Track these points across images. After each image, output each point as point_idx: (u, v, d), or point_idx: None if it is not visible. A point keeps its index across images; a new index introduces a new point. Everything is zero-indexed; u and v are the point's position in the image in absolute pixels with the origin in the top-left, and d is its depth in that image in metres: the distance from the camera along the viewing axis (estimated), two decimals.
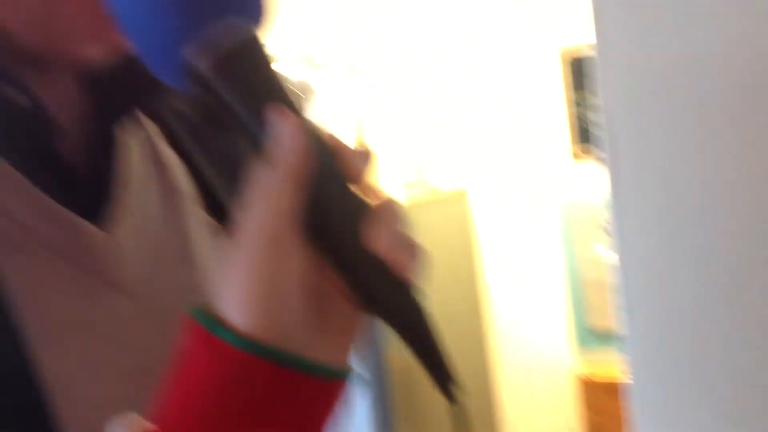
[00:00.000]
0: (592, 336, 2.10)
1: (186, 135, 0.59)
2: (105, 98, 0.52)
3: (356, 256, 0.41)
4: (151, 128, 0.57)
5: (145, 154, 0.57)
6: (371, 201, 0.41)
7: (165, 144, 0.58)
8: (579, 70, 2.01)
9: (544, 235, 2.13)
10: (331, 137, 0.42)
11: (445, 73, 2.14)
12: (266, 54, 0.41)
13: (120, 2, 0.42)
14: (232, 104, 0.41)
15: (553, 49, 2.05)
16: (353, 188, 0.41)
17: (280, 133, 0.40)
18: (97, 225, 0.51)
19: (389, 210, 0.41)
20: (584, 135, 2.05)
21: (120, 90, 0.51)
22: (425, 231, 1.97)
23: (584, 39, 2.06)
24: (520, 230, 2.13)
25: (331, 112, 2.04)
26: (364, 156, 0.42)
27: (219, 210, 0.57)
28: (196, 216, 0.56)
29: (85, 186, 0.52)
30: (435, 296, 1.96)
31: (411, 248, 0.41)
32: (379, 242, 0.40)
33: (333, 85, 2.10)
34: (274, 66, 0.41)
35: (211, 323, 0.40)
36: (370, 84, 2.15)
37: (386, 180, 2.11)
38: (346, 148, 0.42)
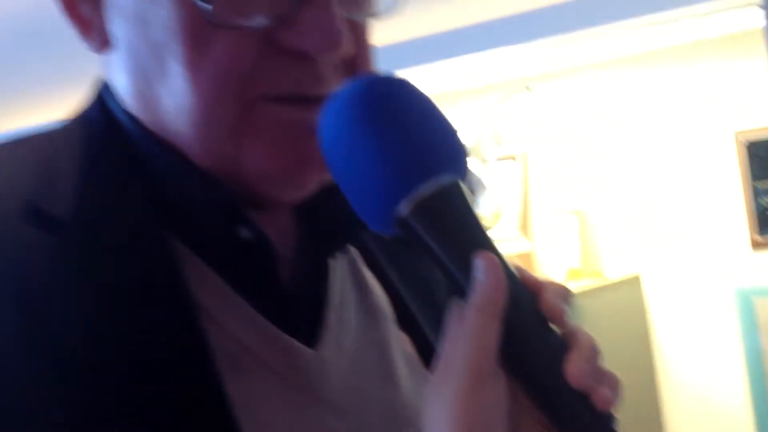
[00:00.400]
0: None
1: (388, 263, 0.63)
2: (316, 229, 0.57)
3: (555, 388, 0.43)
4: (353, 251, 0.62)
5: (348, 276, 0.61)
6: (569, 336, 0.44)
7: (365, 266, 0.63)
8: (755, 154, 1.97)
9: (722, 322, 2.05)
10: (530, 276, 0.45)
11: (617, 156, 2.12)
12: (467, 201, 0.46)
13: (335, 161, 0.48)
14: (434, 246, 0.45)
15: (728, 131, 2.00)
16: (551, 324, 0.44)
17: (482, 274, 0.43)
18: (307, 344, 0.55)
19: (587, 344, 0.43)
20: (763, 222, 1.98)
21: (329, 221, 0.55)
22: (598, 317, 1.91)
23: (760, 121, 1.94)
24: (695, 316, 2.07)
25: (495, 196, 2.07)
26: (561, 293, 0.44)
27: (416, 334, 0.60)
28: (396, 337, 0.60)
29: (297, 308, 0.56)
30: None
31: (610, 382, 0.43)
32: (579, 376, 0.42)
33: (498, 170, 2.16)
34: (475, 211, 0.45)
35: None
36: (537, 167, 2.18)
37: (556, 267, 2.11)
38: (543, 285, 0.44)
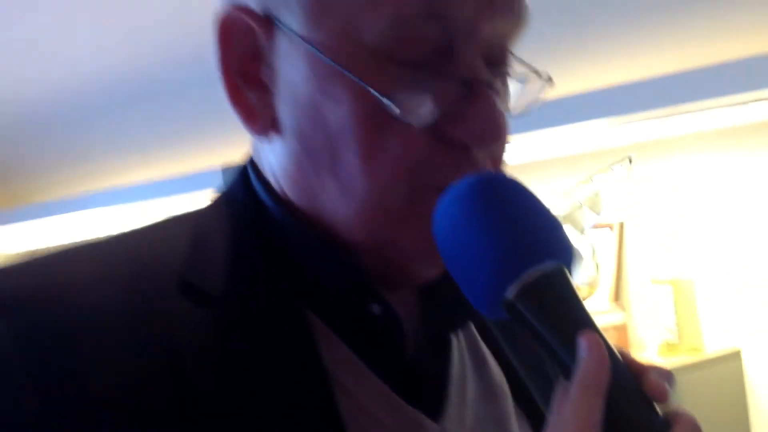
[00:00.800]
0: None
1: (505, 341, 0.67)
2: (438, 308, 0.61)
3: None
4: (472, 327, 0.66)
5: (468, 353, 0.65)
6: (672, 416, 0.46)
7: (482, 342, 0.66)
8: None
9: None
10: (633, 358, 0.48)
11: (716, 227, 2.11)
12: (571, 285, 0.49)
13: (448, 247, 0.52)
14: (539, 328, 0.48)
15: None
16: (655, 404, 0.46)
17: (585, 352, 0.46)
18: (431, 418, 0.58)
19: (690, 424, 0.45)
20: None
21: (450, 301, 0.58)
22: (695, 393, 1.89)
23: None
24: None
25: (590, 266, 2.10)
26: (665, 374, 0.47)
27: (531, 411, 0.63)
28: (514, 414, 0.63)
29: (421, 382, 0.60)
30: None
31: None
32: None
33: (594, 239, 2.18)
34: (577, 293, 0.49)
35: None
36: (634, 237, 2.17)
37: (651, 340, 2.09)
38: (647, 366, 0.48)
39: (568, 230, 1.98)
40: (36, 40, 2.42)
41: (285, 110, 0.58)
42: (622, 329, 2.08)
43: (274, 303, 0.57)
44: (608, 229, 2.22)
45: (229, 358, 0.53)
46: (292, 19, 0.56)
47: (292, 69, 0.57)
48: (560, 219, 1.63)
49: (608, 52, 2.02)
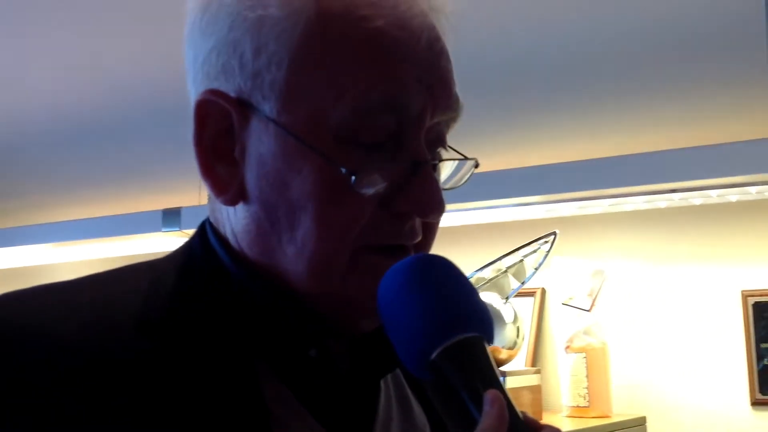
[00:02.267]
0: None
1: (428, 390, 0.75)
2: (369, 355, 0.70)
3: None
4: (400, 373, 0.76)
5: (394, 395, 0.74)
6: None
7: (408, 388, 0.77)
8: (757, 314, 2.09)
9: None
10: (531, 418, 0.59)
11: (630, 300, 2.26)
12: (485, 352, 0.60)
13: (386, 314, 0.63)
14: (455, 383, 0.58)
15: (735, 290, 2.13)
16: None
17: (489, 406, 0.55)
18: None
19: None
20: (764, 382, 2.09)
21: (381, 349, 0.67)
22: None
23: (766, 283, 2.05)
24: None
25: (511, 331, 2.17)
26: None
27: None
28: None
29: (349, 420, 0.69)
30: None
31: None
32: None
33: (516, 305, 2.27)
34: (491, 359, 0.60)
35: None
36: (553, 305, 2.30)
37: (563, 404, 2.19)
38: (543, 426, 0.58)
39: (493, 296, 2.11)
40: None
41: (252, 182, 0.67)
42: (536, 391, 2.19)
43: (223, 343, 0.65)
44: (530, 296, 2.37)
45: (177, 389, 0.61)
46: (266, 105, 0.65)
47: (262, 146, 0.66)
48: (485, 284, 1.77)
49: (544, 134, 2.18)
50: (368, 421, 0.71)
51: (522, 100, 2.19)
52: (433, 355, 0.59)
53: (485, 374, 0.58)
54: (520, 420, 0.57)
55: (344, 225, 0.65)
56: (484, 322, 0.61)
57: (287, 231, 0.66)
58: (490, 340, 0.61)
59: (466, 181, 0.73)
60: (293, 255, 0.66)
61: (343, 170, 0.63)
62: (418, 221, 0.67)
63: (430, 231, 0.70)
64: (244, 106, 0.66)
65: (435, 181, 0.67)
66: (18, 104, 2.61)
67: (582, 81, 2.12)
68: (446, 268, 0.64)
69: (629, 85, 2.08)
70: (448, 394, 0.59)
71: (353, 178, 0.63)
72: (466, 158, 0.73)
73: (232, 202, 0.68)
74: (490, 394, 0.56)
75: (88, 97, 2.56)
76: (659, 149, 1.86)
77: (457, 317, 0.60)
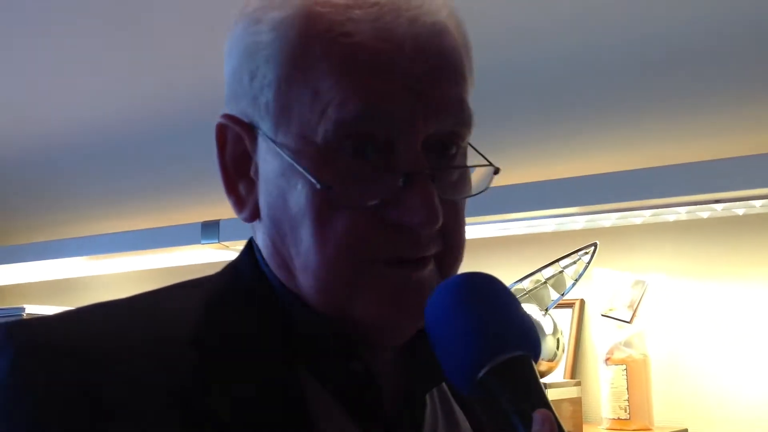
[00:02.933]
0: None
1: (468, 403, 0.78)
2: (415, 367, 0.71)
3: None
4: (445, 385, 0.77)
5: (439, 407, 0.75)
6: None
7: (454, 401, 0.77)
8: None
9: None
10: None
11: (673, 307, 2.24)
12: (533, 370, 0.61)
13: (435, 330, 0.63)
14: (503, 402, 0.58)
15: None
16: None
17: (539, 426, 0.55)
18: None
19: None
20: None
21: (427, 362, 0.67)
22: None
23: None
24: None
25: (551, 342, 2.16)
26: None
27: None
28: None
29: (396, 431, 0.70)
30: None
31: None
32: None
33: (555, 317, 2.26)
34: (538, 378, 0.61)
35: None
36: (593, 315, 2.28)
37: (604, 416, 2.17)
38: None
39: (532, 307, 2.10)
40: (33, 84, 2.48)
41: (262, 199, 0.70)
42: (577, 403, 2.18)
43: (271, 358, 0.67)
44: (569, 308, 2.35)
45: (227, 403, 0.63)
46: (265, 125, 0.69)
47: (267, 165, 0.69)
48: (525, 295, 1.76)
49: (583, 144, 2.17)
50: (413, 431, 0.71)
51: (561, 110, 2.19)
52: (481, 374, 0.60)
53: (533, 393, 0.59)
54: None
55: (339, 239, 0.66)
56: (531, 339, 0.62)
57: (294, 246, 0.68)
58: (537, 358, 0.62)
59: (486, 188, 0.73)
60: (301, 272, 0.68)
61: (318, 186, 0.65)
62: (426, 235, 0.68)
63: (452, 240, 0.70)
64: (251, 129, 0.70)
65: (428, 192, 0.66)
66: (55, 117, 2.64)
67: (621, 90, 2.11)
68: (493, 285, 0.65)
69: (670, 94, 2.07)
70: (496, 413, 0.59)
71: (334, 192, 0.65)
72: (467, 166, 0.73)
73: (249, 219, 0.72)
74: (540, 414, 0.57)
75: (126, 110, 2.59)
76: (701, 159, 1.84)
77: (505, 336, 0.61)
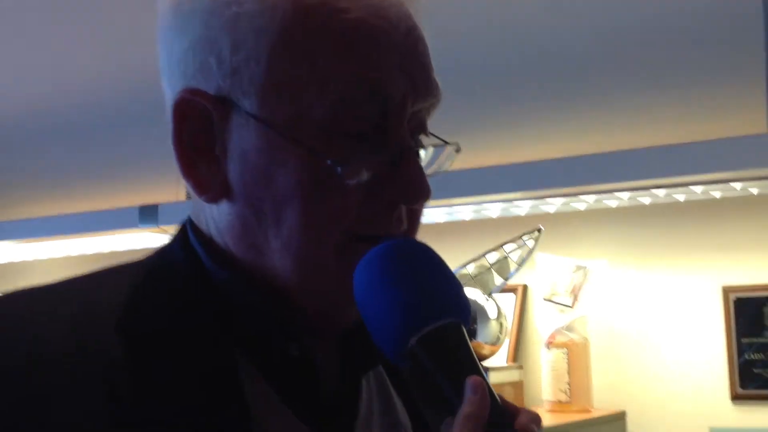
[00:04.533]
0: None
1: (404, 385, 0.77)
2: (352, 352, 0.70)
3: None
4: (383, 371, 0.76)
5: (376, 392, 0.74)
6: None
7: (391, 385, 0.76)
8: (738, 310, 2.12)
9: None
10: (510, 403, 0.59)
11: (611, 294, 2.28)
12: (464, 337, 0.59)
13: (363, 303, 0.62)
14: (434, 372, 0.57)
15: (716, 287, 2.15)
16: None
17: (471, 392, 0.55)
18: None
19: None
20: (744, 376, 2.12)
21: (363, 346, 0.66)
22: None
23: (747, 278, 2.08)
24: None
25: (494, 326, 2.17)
26: (533, 418, 0.58)
27: None
28: None
29: (331, 416, 0.68)
30: None
31: None
32: None
33: (499, 302, 2.26)
34: (470, 345, 0.59)
35: None
36: (536, 301, 2.30)
37: (544, 399, 2.21)
38: (521, 410, 0.59)
39: (476, 292, 2.12)
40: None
41: (236, 178, 0.67)
42: (518, 386, 2.21)
43: (203, 343, 0.65)
44: (512, 293, 2.38)
45: (156, 388, 0.61)
46: (246, 101, 0.65)
47: (244, 143, 0.66)
48: (469, 280, 1.76)
49: (530, 129, 2.19)
50: (349, 418, 0.71)
51: (507, 96, 2.20)
52: (411, 343, 0.58)
53: (464, 361, 0.58)
54: (500, 405, 0.58)
55: (331, 216, 0.65)
56: (459, 306, 0.61)
57: (273, 226, 0.66)
58: (468, 324, 0.61)
59: (448, 167, 0.73)
60: (279, 249, 0.66)
61: (329, 162, 0.64)
62: (403, 210, 0.67)
63: (415, 220, 0.70)
64: (223, 104, 0.66)
65: (420, 168, 0.67)
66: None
67: (568, 78, 2.14)
68: (423, 253, 0.64)
69: (614, 82, 2.10)
70: (427, 382, 0.58)
71: (339, 169, 0.64)
72: (446, 142, 0.73)
73: (215, 200, 0.68)
74: (471, 380, 0.56)
75: (63, 88, 2.53)
76: (644, 146, 1.88)
77: (431, 304, 0.60)
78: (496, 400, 0.57)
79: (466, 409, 0.55)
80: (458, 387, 0.56)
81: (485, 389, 0.56)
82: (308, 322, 0.68)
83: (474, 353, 0.59)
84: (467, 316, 0.61)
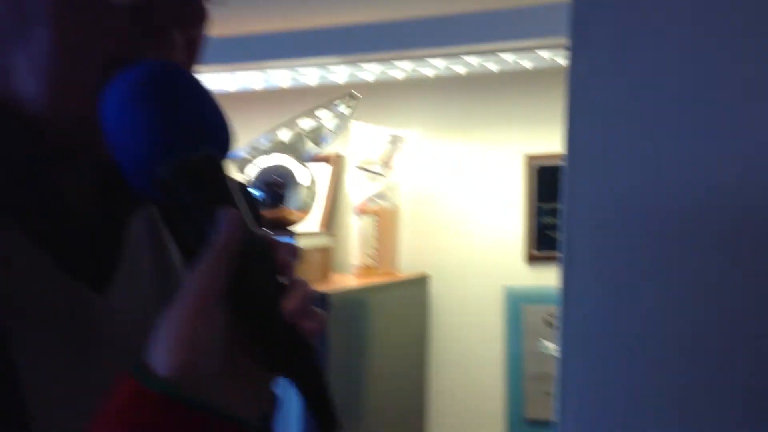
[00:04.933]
0: (526, 426, 2.22)
1: (168, 219, 0.72)
2: (113, 186, 0.64)
3: (271, 321, 0.52)
4: (155, 211, 0.70)
5: (146, 233, 0.69)
6: (293, 283, 0.53)
7: (164, 225, 0.71)
8: (539, 177, 2.23)
9: (491, 324, 2.29)
10: (270, 237, 0.55)
11: (420, 162, 2.35)
12: (221, 169, 0.56)
13: (111, 132, 0.56)
14: (189, 203, 0.54)
15: (516, 154, 2.25)
16: (281, 274, 0.53)
17: (222, 223, 0.52)
18: (96, 290, 0.62)
19: (304, 289, 0.53)
20: (539, 239, 2.24)
21: (125, 183, 0.58)
22: (388, 310, 2.16)
23: (548, 147, 2.15)
24: (469, 318, 2.31)
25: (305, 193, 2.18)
26: (292, 250, 0.55)
27: None
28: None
29: (91, 255, 0.63)
30: (384, 368, 2.03)
31: (318, 319, 0.53)
32: (292, 311, 0.51)
33: (312, 169, 2.28)
34: (227, 178, 0.56)
35: (136, 368, 0.50)
36: (347, 170, 2.35)
37: (354, 263, 2.28)
38: (278, 243, 0.55)
39: (289, 159, 2.12)
40: None
41: None
42: (327, 252, 2.25)
43: None
44: (326, 161, 2.40)
45: None
46: None
47: None
48: (283, 147, 1.74)
49: None
50: (112, 259, 0.65)
51: None
52: (162, 173, 0.54)
53: (219, 193, 0.55)
54: (258, 238, 0.54)
55: (91, 38, 0.58)
56: (218, 138, 0.56)
57: (22, 46, 0.59)
58: (224, 155, 0.57)
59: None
60: (27, 71, 0.59)
61: None
62: (178, 37, 0.62)
63: (192, 49, 0.64)
64: None
65: None
66: None
67: None
68: (183, 79, 0.58)
69: None
70: (184, 216, 0.55)
71: None
72: None
73: None
74: (224, 211, 0.53)
75: None
76: (456, 12, 1.90)
77: (186, 131, 0.55)
78: (253, 233, 0.54)
79: (217, 239, 0.52)
80: (212, 218, 0.53)
81: (236, 220, 0.53)
82: (57, 147, 0.61)
83: (230, 185, 0.56)
84: (225, 147, 0.57)
